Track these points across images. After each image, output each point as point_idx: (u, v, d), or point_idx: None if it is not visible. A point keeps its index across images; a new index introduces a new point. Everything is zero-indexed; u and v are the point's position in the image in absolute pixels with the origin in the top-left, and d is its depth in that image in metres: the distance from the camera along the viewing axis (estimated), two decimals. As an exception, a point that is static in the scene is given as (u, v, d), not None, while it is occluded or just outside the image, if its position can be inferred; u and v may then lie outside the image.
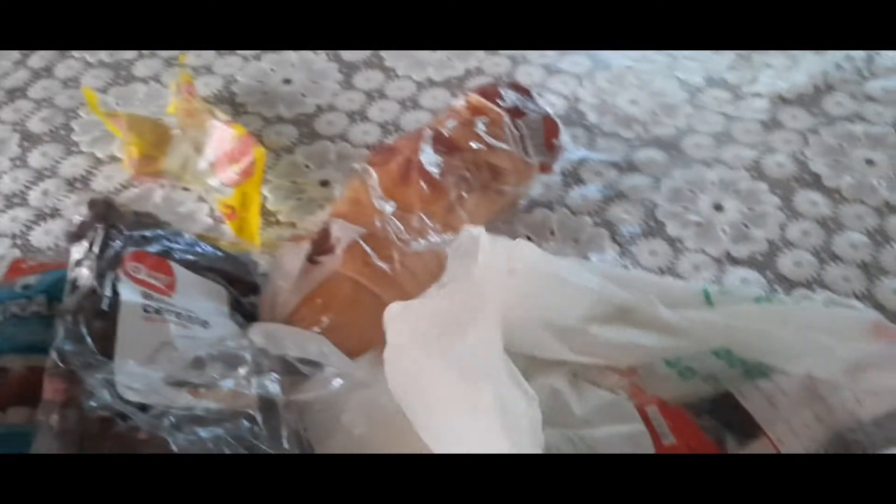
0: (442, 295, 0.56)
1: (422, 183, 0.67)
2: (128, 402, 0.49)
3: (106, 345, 0.52)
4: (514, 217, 0.76)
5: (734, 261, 0.73)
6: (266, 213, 0.76)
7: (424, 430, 0.52)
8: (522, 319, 0.60)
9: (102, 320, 0.53)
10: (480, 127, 0.72)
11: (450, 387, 0.50)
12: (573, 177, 0.80)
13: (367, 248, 0.63)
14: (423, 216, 0.66)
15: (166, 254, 0.60)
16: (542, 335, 0.61)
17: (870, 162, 0.81)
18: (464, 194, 0.69)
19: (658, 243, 0.75)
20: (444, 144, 0.71)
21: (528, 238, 0.75)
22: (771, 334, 0.60)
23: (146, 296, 0.56)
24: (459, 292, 0.56)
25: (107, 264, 0.56)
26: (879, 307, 0.69)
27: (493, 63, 0.93)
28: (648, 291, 0.65)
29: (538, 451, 0.49)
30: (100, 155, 0.84)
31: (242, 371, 0.54)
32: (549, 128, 0.76)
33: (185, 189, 0.79)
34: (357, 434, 0.54)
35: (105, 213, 0.61)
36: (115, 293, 0.54)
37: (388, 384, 0.56)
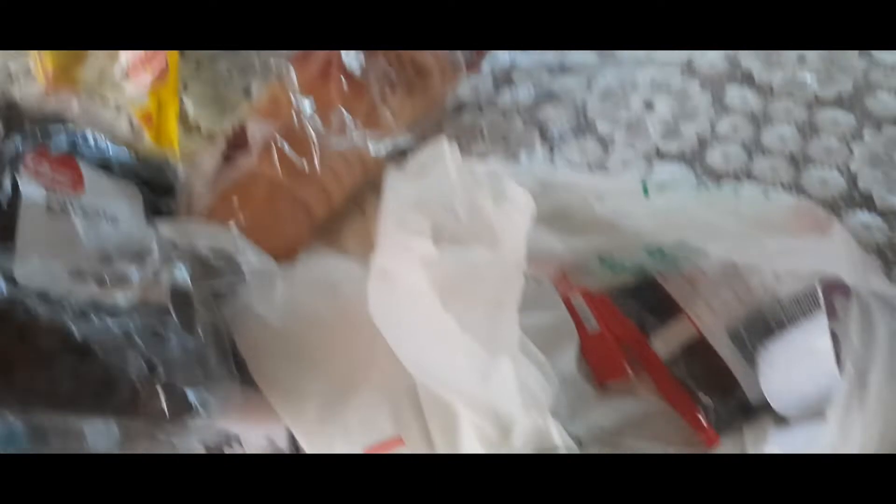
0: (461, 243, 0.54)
1: (342, 80, 0.66)
2: (27, 292, 0.47)
3: (5, 240, 0.51)
4: (442, 119, 0.75)
5: (663, 156, 0.73)
6: (187, 123, 0.74)
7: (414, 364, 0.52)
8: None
9: (0, 217, 0.52)
10: (403, 24, 0.70)
11: (466, 350, 0.49)
12: (503, 78, 0.79)
13: (285, 146, 0.62)
14: (342, 111, 0.64)
15: (73, 153, 0.58)
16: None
17: (801, 59, 0.81)
18: (387, 93, 0.68)
19: (588, 141, 0.74)
20: (366, 42, 0.69)
21: (457, 141, 0.74)
22: (700, 220, 0.60)
23: (50, 192, 0.54)
24: (478, 241, 0.55)
25: (7, 162, 0.54)
26: (804, 195, 0.69)
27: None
28: (585, 189, 0.65)
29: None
30: (13, 67, 0.81)
31: (151, 263, 0.52)
32: (475, 26, 0.74)
33: (103, 99, 0.76)
34: (275, 326, 0.54)
35: (7, 114, 0.59)
36: (16, 189, 0.53)
37: (302, 280, 0.55)
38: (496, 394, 0.49)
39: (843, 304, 0.52)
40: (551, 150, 0.73)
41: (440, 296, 0.47)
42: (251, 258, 0.55)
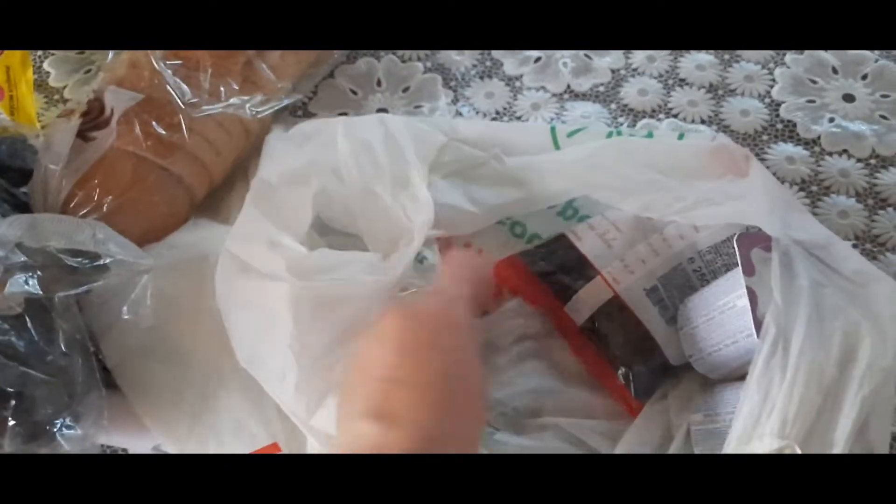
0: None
1: (211, 36, 0.58)
2: None
3: None
4: (334, 69, 0.68)
5: (575, 95, 0.68)
6: (49, 91, 0.66)
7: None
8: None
9: None
10: (278, -35, 0.62)
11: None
12: (400, 19, 0.72)
13: (147, 117, 0.55)
14: (214, 73, 0.57)
15: None
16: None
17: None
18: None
19: (494, 84, 0.68)
20: (236, -10, 0.61)
21: (353, 92, 0.68)
22: (612, 172, 0.55)
23: None
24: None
25: None
26: (726, 129, 0.65)
27: None
28: (492, 142, 0.60)
29: None
30: None
31: (-6, 270, 0.46)
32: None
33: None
34: (143, 325, 0.48)
35: None
36: None
37: (174, 269, 0.49)
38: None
39: (762, 258, 0.48)
40: (455, 96, 0.67)
41: (294, 314, 0.42)
42: (114, 250, 0.48)
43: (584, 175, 0.56)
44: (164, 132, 0.55)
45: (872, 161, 0.63)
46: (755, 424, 0.42)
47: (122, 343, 0.48)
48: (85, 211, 0.53)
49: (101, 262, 0.48)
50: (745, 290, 0.46)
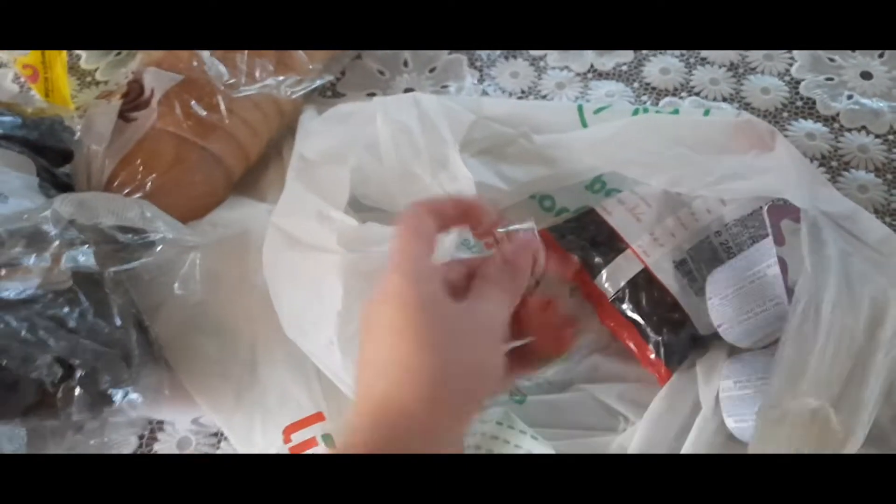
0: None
1: (246, 18, 0.59)
2: None
3: None
4: (361, 51, 0.70)
5: (599, 74, 0.69)
6: (81, 73, 0.67)
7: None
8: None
9: None
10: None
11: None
12: (425, 0, 0.73)
13: (187, 98, 0.56)
14: (250, 55, 0.58)
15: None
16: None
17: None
18: (298, 28, 0.62)
19: (519, 64, 0.70)
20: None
21: (380, 73, 0.69)
22: (639, 148, 0.56)
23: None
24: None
25: None
26: (747, 107, 0.67)
27: None
28: (521, 120, 0.61)
29: None
30: None
31: (49, 245, 0.47)
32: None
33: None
34: (192, 301, 0.50)
35: None
36: None
37: (219, 246, 0.51)
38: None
39: (791, 228, 0.50)
40: (481, 76, 0.69)
41: (345, 284, 0.43)
42: (162, 228, 0.50)
43: (612, 151, 0.57)
44: (203, 113, 0.56)
45: (891, 137, 0.65)
46: (792, 385, 0.44)
47: (171, 318, 0.50)
48: (128, 190, 0.54)
49: (151, 238, 0.50)
50: (776, 259, 0.48)
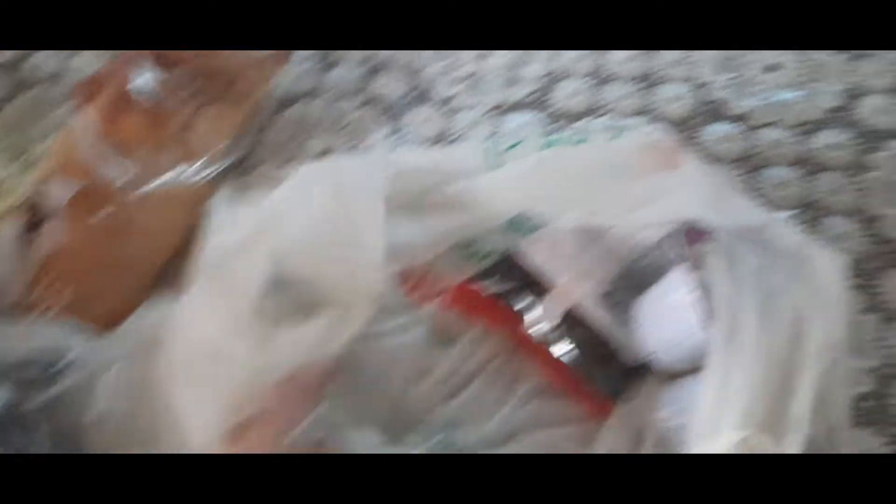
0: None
1: (140, 112, 0.59)
2: None
3: None
4: (268, 119, 0.69)
5: (510, 107, 0.69)
6: (-11, 185, 0.66)
7: None
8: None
9: None
10: (197, 30, 0.63)
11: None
12: (328, 58, 0.73)
13: (92, 204, 0.55)
14: (149, 147, 0.58)
15: None
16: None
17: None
18: (196, 112, 0.61)
19: (429, 109, 0.69)
20: (160, 60, 0.61)
21: (292, 138, 0.69)
22: (551, 183, 0.56)
23: None
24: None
25: None
26: (658, 118, 0.67)
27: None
28: (433, 169, 0.60)
29: None
30: None
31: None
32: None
33: None
34: (119, 415, 0.49)
35: None
36: None
37: (139, 354, 0.50)
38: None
39: (707, 250, 0.50)
40: (392, 126, 0.68)
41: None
42: (79, 346, 0.49)
43: (525, 190, 0.57)
44: (110, 216, 0.55)
45: (802, 127, 0.65)
46: (720, 414, 0.44)
47: (99, 434, 0.49)
48: (44, 307, 0.54)
49: (67, 360, 0.49)
50: (693, 285, 0.48)
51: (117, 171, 0.57)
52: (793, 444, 0.43)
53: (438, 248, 0.60)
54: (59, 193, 0.56)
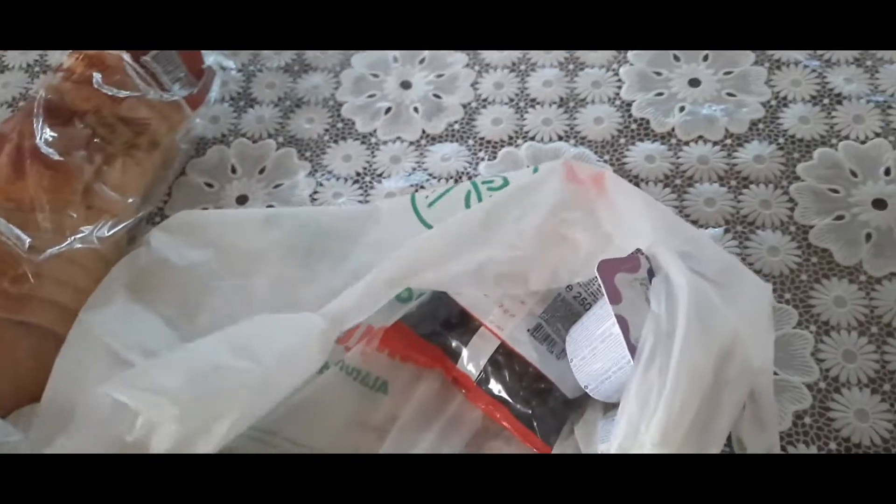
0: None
1: (41, 170, 0.56)
2: None
3: None
4: (185, 165, 0.66)
5: (432, 139, 0.67)
6: None
7: None
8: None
9: None
10: (98, 80, 0.60)
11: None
12: (243, 98, 0.70)
13: (-11, 273, 0.52)
14: (51, 209, 0.55)
15: None
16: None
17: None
18: (104, 166, 0.59)
19: (350, 145, 0.67)
20: (59, 114, 0.59)
21: (208, 185, 0.66)
22: (480, 255, 0.54)
23: None
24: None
25: None
26: (583, 140, 0.66)
27: None
28: (357, 229, 0.58)
29: None
30: None
31: None
32: (187, 54, 0.65)
33: None
34: None
35: None
36: None
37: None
38: None
39: (627, 280, 0.48)
40: (312, 167, 0.66)
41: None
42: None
43: (452, 268, 0.54)
44: (9, 286, 0.52)
45: (728, 141, 0.65)
46: (635, 434, 0.42)
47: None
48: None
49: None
50: (613, 318, 0.46)
51: (14, 238, 0.53)
52: None
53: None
54: (-45, 263, 0.52)
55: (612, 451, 0.42)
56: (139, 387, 0.41)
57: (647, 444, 0.41)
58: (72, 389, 0.46)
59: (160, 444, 0.39)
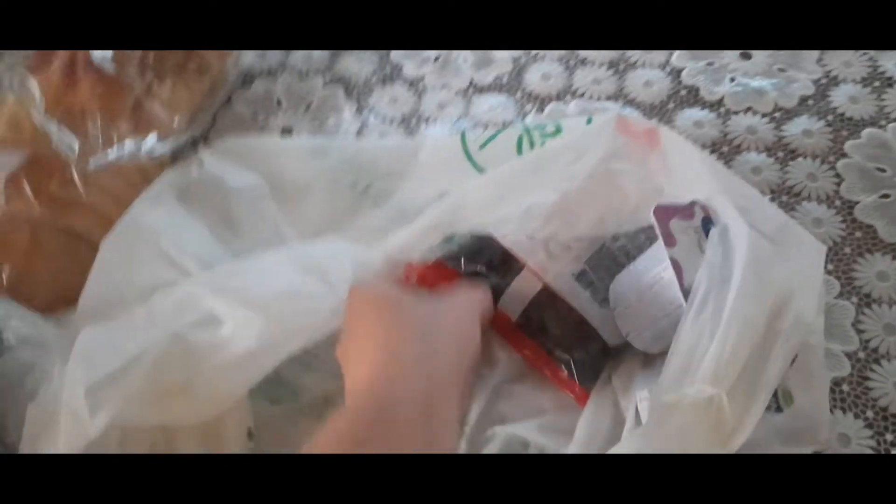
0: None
1: (94, 81, 0.56)
2: None
3: None
4: (231, 95, 0.66)
5: (480, 89, 0.67)
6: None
7: None
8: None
9: None
10: (155, -2, 0.59)
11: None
12: (292, 35, 0.70)
13: (37, 177, 0.52)
14: (103, 119, 0.55)
15: None
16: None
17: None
18: (154, 84, 0.58)
19: (397, 88, 0.67)
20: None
21: (253, 116, 0.66)
22: (527, 184, 0.54)
23: None
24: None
25: None
26: (631, 102, 0.65)
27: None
28: (404, 164, 0.58)
29: None
30: None
31: None
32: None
33: None
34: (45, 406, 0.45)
35: None
36: None
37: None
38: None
39: (682, 227, 0.48)
40: (359, 106, 0.66)
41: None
42: (18, 327, 0.46)
43: (498, 191, 0.54)
44: (57, 190, 0.52)
45: (777, 114, 0.64)
46: (688, 372, 0.42)
47: (37, 420, 0.45)
48: (-22, 285, 0.50)
49: (4, 340, 0.46)
50: (668, 263, 0.46)
51: (65, 144, 0.53)
52: (750, 416, 0.41)
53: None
54: (2, 164, 0.52)
55: (660, 389, 0.42)
56: (228, 295, 0.41)
57: (697, 381, 0.41)
58: (119, 281, 0.45)
59: (236, 350, 0.40)
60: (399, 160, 0.58)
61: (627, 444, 0.42)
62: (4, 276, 0.50)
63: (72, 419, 0.40)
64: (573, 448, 0.48)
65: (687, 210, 0.48)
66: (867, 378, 0.52)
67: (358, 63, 0.68)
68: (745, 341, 0.42)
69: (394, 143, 0.62)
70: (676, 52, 0.68)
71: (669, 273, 0.46)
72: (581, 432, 0.49)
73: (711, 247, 0.45)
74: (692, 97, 0.66)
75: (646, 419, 0.47)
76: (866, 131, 0.63)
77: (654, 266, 0.48)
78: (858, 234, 0.58)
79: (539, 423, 0.50)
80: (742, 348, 0.42)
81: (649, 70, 0.67)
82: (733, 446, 0.39)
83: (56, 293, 0.52)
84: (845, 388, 0.52)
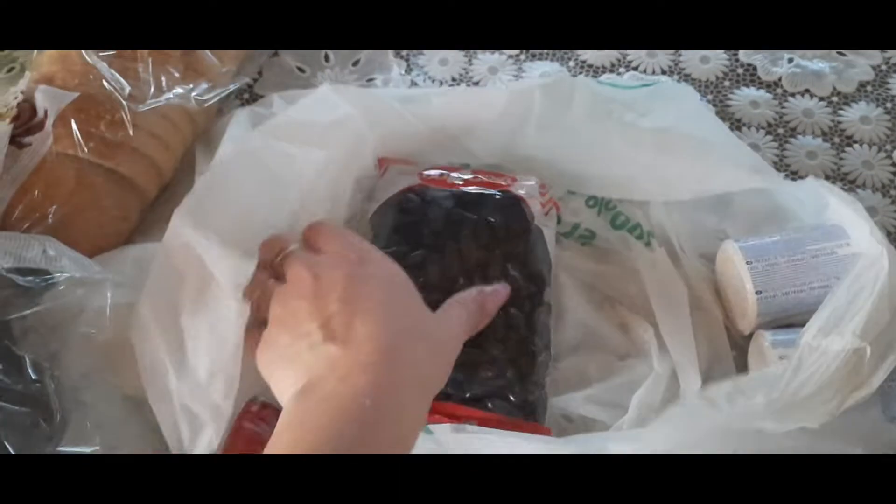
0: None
1: (145, 22, 0.54)
2: None
3: None
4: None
5: (532, 55, 0.65)
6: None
7: None
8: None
9: None
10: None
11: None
12: (342, -11, 0.68)
13: (86, 116, 0.51)
14: (154, 62, 0.53)
15: None
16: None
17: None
18: (205, 29, 0.57)
19: (449, 51, 0.66)
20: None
21: (300, 69, 0.64)
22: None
23: None
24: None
25: None
26: (687, 78, 0.64)
27: None
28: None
29: None
30: None
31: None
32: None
33: None
34: (99, 340, 0.45)
35: None
36: None
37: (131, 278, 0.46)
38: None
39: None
40: (408, 65, 0.65)
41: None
42: (67, 266, 0.45)
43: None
44: (105, 131, 0.51)
45: (834, 99, 0.63)
46: (838, 321, 0.43)
47: (82, 360, 0.45)
48: (27, 225, 0.49)
49: (54, 279, 0.45)
50: (850, 240, 0.49)
51: (116, 84, 0.52)
52: (880, 371, 0.42)
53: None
54: (53, 102, 0.51)
55: (812, 332, 0.43)
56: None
57: (847, 332, 0.42)
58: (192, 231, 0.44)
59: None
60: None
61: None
62: (50, 217, 0.49)
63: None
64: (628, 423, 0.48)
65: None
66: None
67: (408, 21, 0.67)
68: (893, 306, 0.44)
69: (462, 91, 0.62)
70: (734, 30, 0.66)
71: (846, 251, 0.49)
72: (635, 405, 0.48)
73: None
74: (749, 76, 0.64)
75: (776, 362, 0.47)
76: (920, 119, 0.62)
77: (830, 239, 0.49)
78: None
79: (585, 395, 0.50)
80: (890, 312, 0.43)
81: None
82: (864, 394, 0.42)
83: (99, 237, 0.51)
84: None
